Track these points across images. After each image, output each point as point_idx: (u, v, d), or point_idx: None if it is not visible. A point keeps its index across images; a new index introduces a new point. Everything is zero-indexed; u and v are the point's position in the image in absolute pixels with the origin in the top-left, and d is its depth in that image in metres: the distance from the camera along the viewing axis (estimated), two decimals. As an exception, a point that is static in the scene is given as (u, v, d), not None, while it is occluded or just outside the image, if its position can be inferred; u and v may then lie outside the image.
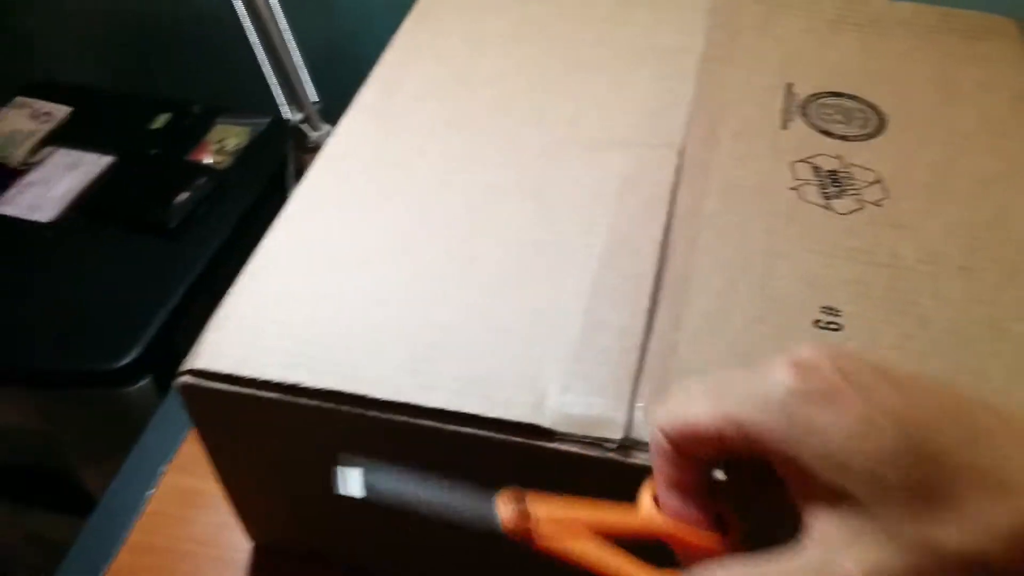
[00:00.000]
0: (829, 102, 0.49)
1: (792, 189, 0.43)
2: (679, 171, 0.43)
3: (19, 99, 0.94)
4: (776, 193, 0.42)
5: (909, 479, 0.19)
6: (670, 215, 0.41)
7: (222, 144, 0.88)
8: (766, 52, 0.52)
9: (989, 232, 0.40)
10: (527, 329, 0.36)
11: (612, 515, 0.25)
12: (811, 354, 0.22)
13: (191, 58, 1.04)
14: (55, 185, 0.87)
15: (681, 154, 0.44)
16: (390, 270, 0.39)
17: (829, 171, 0.44)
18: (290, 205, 0.43)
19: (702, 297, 0.37)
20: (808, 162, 0.45)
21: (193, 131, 0.90)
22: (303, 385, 0.34)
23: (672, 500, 0.24)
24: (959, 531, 0.19)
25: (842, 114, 0.48)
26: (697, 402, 0.23)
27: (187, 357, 0.36)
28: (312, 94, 0.91)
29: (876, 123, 0.47)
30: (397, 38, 0.54)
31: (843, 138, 0.46)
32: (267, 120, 0.92)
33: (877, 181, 0.43)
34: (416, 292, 0.38)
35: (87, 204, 0.84)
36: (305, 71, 0.89)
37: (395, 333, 0.36)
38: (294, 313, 0.37)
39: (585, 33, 0.53)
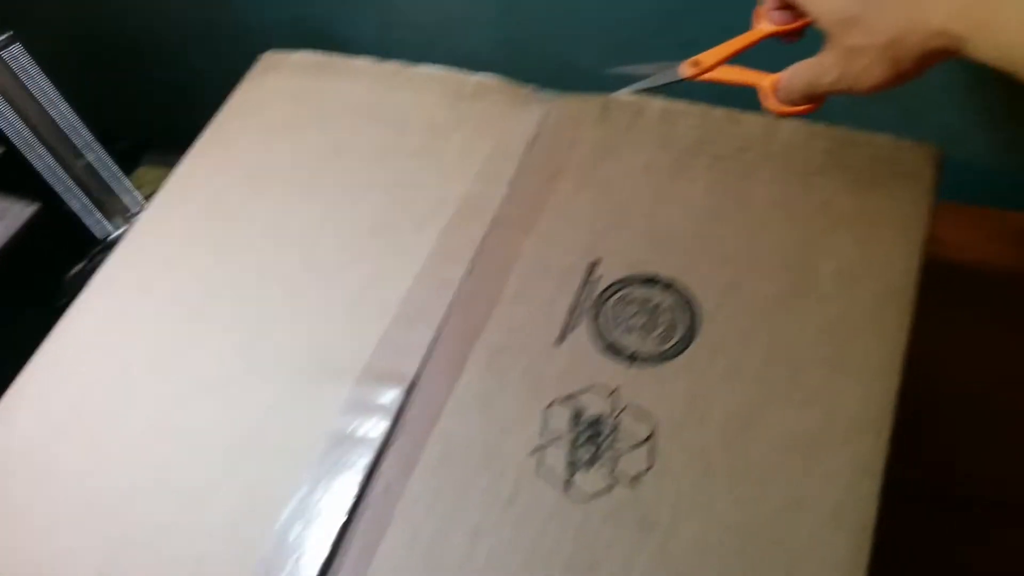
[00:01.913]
0: (637, 293, 0.38)
1: (533, 453, 0.34)
2: (397, 419, 0.35)
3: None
4: (505, 460, 0.34)
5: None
6: (360, 495, 0.33)
7: (140, 192, 0.83)
8: (584, 208, 0.41)
9: (735, 547, 0.31)
10: None
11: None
12: None
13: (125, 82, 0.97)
14: (-19, 238, 0.85)
15: (409, 391, 0.36)
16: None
17: (591, 419, 0.35)
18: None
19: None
20: (571, 402, 0.35)
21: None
22: None
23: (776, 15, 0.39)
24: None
25: (647, 313, 0.37)
26: None
27: None
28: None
29: (685, 329, 0.37)
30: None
31: (631, 358, 0.36)
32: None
33: (648, 437, 0.34)
34: None
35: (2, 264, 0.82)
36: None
37: None
38: None
39: (379, 176, 0.44)
